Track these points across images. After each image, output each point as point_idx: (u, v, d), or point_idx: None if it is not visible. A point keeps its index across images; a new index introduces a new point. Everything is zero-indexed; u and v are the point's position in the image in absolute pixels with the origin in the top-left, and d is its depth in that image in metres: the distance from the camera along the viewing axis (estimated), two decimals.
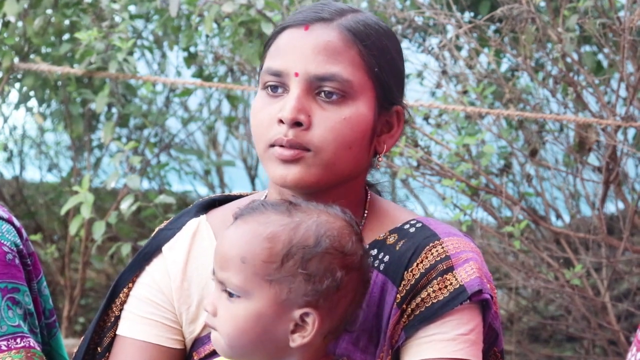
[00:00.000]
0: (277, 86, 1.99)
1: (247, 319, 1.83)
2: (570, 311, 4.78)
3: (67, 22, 4.99)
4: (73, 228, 4.68)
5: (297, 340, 1.84)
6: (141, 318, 2.10)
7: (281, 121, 1.96)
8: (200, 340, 2.09)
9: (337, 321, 1.87)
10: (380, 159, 2.07)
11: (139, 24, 5.39)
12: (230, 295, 1.84)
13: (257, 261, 1.82)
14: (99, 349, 2.13)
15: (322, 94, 1.97)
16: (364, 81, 1.99)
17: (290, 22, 2.01)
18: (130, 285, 2.13)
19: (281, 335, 1.84)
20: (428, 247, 1.98)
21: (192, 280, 2.10)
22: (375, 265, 2.00)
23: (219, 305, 1.86)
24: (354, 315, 1.90)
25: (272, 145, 1.97)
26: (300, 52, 1.97)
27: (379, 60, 2.00)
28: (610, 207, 4.93)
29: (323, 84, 1.96)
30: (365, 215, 2.08)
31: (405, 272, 1.97)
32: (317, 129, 1.96)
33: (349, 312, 1.88)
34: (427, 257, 1.97)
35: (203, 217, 2.15)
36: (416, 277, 1.96)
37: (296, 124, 1.95)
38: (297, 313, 1.83)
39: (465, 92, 4.37)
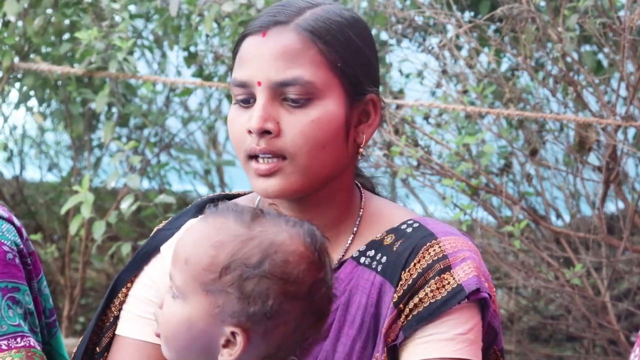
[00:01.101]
0: (247, 98, 1.98)
1: (180, 322, 1.77)
2: (571, 311, 4.78)
3: (67, 21, 5.00)
4: (73, 228, 4.68)
5: (225, 355, 1.77)
6: (140, 318, 2.09)
7: (250, 131, 1.95)
8: None
9: (274, 348, 1.77)
10: (362, 149, 2.05)
11: (139, 23, 5.39)
12: (173, 293, 1.80)
13: (198, 267, 1.75)
14: (97, 349, 2.12)
15: (288, 99, 1.95)
16: (328, 79, 1.96)
17: (250, 30, 1.99)
18: (128, 285, 2.12)
19: (213, 347, 1.77)
20: (425, 246, 1.97)
21: None
22: (373, 266, 1.99)
23: (165, 299, 1.81)
24: (296, 345, 1.80)
25: (250, 157, 1.97)
26: (259, 60, 1.95)
27: (342, 54, 1.97)
28: (611, 207, 4.93)
29: (286, 89, 1.94)
30: (361, 214, 2.07)
31: (403, 272, 1.96)
32: (287, 134, 1.94)
33: (290, 342, 1.78)
34: (424, 257, 1.96)
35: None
36: (413, 276, 1.95)
37: (265, 132, 1.94)
38: (227, 330, 1.75)
39: (465, 92, 4.37)
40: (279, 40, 1.95)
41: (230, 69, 5.43)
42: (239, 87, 1.98)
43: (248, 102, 1.98)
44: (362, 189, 2.10)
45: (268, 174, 1.95)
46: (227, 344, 1.76)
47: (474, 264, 1.97)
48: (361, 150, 2.04)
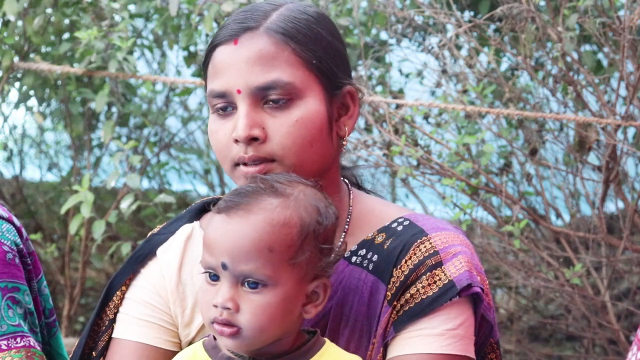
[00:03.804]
0: (226, 106, 1.99)
1: (278, 305, 1.84)
2: (570, 310, 4.78)
3: (66, 21, 5.00)
4: (73, 227, 4.68)
5: (312, 311, 1.89)
6: (138, 320, 2.09)
7: (237, 141, 1.96)
8: None
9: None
10: (345, 142, 2.06)
11: (139, 23, 5.39)
12: (254, 286, 1.84)
13: (283, 247, 1.83)
14: (93, 353, 2.12)
15: (270, 102, 1.96)
16: (306, 77, 1.98)
17: (220, 39, 2.00)
18: (123, 288, 2.12)
19: (298, 311, 1.88)
20: (416, 243, 1.98)
21: (186, 284, 2.10)
22: (364, 265, 2.00)
23: (242, 300, 1.84)
24: None
25: (237, 164, 1.98)
26: (235, 68, 1.97)
27: (315, 51, 1.99)
28: (610, 206, 4.93)
29: (267, 93, 1.96)
30: (350, 212, 2.07)
31: (394, 270, 1.97)
32: (274, 138, 1.96)
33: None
34: (415, 254, 1.97)
35: (196, 223, 2.15)
36: (405, 273, 1.96)
37: (252, 139, 1.95)
38: (310, 287, 1.87)
39: (465, 91, 4.37)
40: (252, 46, 1.96)
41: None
42: (217, 98, 1.99)
43: (226, 109, 1.98)
44: (350, 187, 2.11)
45: None
46: (307, 300, 1.88)
47: (465, 258, 1.97)
48: (344, 142, 2.06)
